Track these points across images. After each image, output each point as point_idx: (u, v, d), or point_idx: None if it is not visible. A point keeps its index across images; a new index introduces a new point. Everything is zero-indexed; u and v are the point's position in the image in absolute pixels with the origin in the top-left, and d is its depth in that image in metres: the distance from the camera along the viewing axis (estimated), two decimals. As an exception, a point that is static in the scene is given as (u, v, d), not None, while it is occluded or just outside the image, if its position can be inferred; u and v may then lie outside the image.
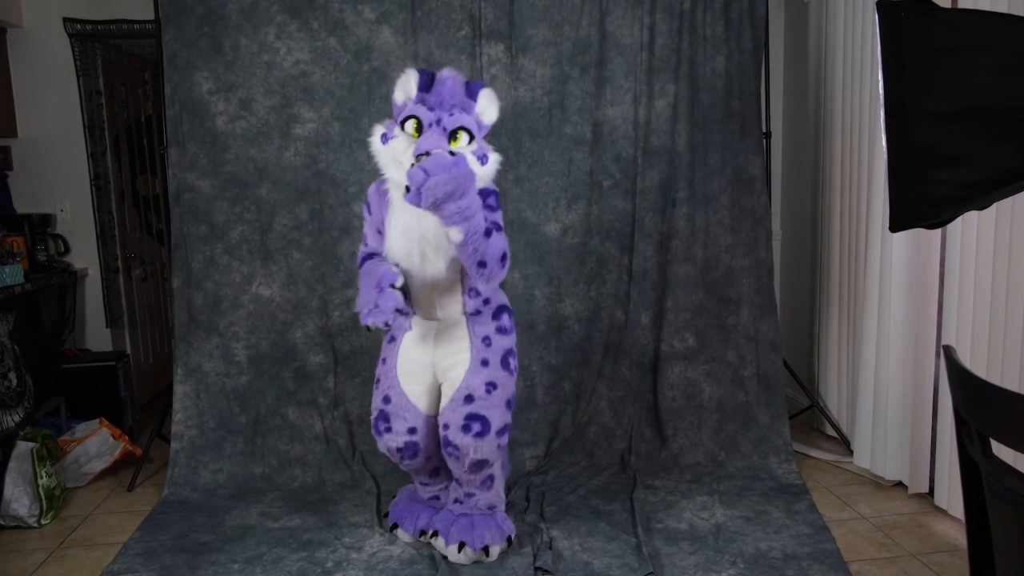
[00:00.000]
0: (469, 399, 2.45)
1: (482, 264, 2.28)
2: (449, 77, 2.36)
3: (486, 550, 2.55)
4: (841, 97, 3.51)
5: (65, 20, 3.97)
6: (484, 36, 3.34)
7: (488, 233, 2.26)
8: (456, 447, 2.45)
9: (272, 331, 3.35)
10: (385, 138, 2.36)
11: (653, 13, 3.39)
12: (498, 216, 2.37)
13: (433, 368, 2.55)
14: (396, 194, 2.40)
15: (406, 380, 2.55)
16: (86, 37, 4.04)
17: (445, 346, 2.53)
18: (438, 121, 2.30)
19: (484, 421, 2.44)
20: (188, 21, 3.23)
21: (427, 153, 2.19)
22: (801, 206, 4.10)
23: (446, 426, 2.47)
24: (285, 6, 3.25)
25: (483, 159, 2.36)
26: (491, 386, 2.47)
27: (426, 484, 2.75)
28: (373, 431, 2.59)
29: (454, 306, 2.50)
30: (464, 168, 2.16)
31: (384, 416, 2.55)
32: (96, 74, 4.17)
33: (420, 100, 2.34)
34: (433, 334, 2.55)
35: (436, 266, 2.41)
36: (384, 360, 2.59)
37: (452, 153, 2.22)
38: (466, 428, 2.43)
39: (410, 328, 2.57)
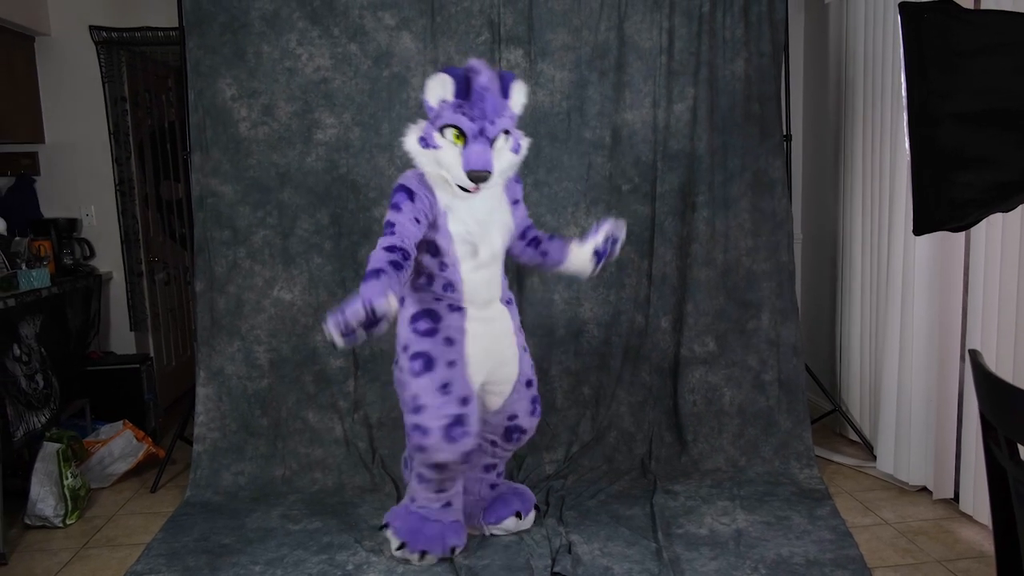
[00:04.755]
0: (529, 383, 2.69)
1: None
2: (489, 88, 2.34)
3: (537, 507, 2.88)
4: (862, 99, 3.48)
5: (91, 28, 4.03)
6: (503, 41, 3.35)
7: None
8: (524, 431, 2.70)
9: (293, 335, 3.38)
10: (424, 142, 2.36)
11: (672, 17, 3.38)
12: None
13: (489, 362, 2.56)
14: (446, 190, 2.40)
15: (475, 379, 2.52)
16: (111, 45, 4.10)
17: (502, 339, 2.60)
18: (481, 131, 2.32)
19: (538, 400, 2.74)
20: (211, 28, 3.27)
21: (482, 172, 2.31)
22: (822, 209, 4.07)
23: (514, 416, 2.65)
24: (306, 13, 3.28)
25: (517, 149, 2.45)
26: (532, 367, 2.73)
27: (443, 491, 2.60)
28: (443, 439, 2.39)
29: (498, 290, 2.60)
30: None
31: (461, 421, 2.41)
32: (121, 81, 4.23)
33: (458, 107, 2.33)
34: (487, 329, 2.54)
35: (494, 251, 2.50)
36: (452, 363, 2.44)
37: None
38: (532, 411, 2.71)
39: (464, 328, 2.50)
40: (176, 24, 3.35)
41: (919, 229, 1.77)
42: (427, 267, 2.48)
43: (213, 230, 3.34)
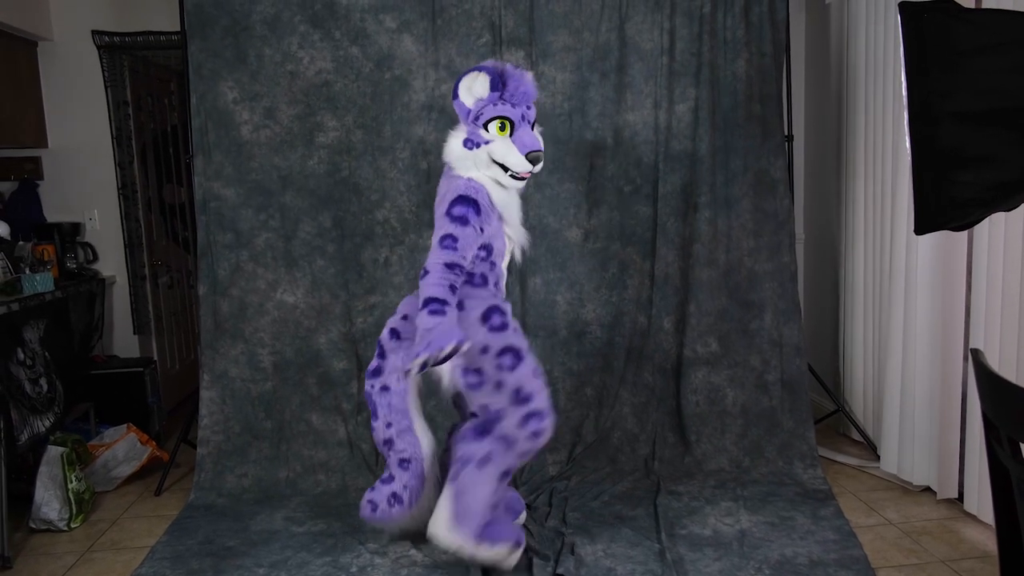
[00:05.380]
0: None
1: None
2: (525, 76, 2.43)
3: None
4: (864, 99, 3.48)
5: (93, 33, 4.05)
6: (504, 43, 3.36)
7: None
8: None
9: (296, 337, 3.38)
10: (470, 143, 2.40)
11: (673, 18, 3.38)
12: None
13: None
14: (499, 192, 2.45)
15: None
16: (114, 49, 4.11)
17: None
18: (522, 117, 2.42)
19: None
20: (213, 32, 3.28)
21: (539, 152, 2.41)
22: (824, 209, 4.07)
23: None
24: (308, 16, 3.29)
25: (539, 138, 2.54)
26: None
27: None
28: (538, 425, 2.40)
29: None
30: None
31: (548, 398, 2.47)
32: (124, 85, 4.24)
33: (498, 99, 2.40)
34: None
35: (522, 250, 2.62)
36: (527, 350, 2.45)
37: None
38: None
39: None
40: (178, 28, 3.36)
41: (920, 229, 1.77)
42: (480, 267, 2.47)
43: (216, 233, 3.35)
